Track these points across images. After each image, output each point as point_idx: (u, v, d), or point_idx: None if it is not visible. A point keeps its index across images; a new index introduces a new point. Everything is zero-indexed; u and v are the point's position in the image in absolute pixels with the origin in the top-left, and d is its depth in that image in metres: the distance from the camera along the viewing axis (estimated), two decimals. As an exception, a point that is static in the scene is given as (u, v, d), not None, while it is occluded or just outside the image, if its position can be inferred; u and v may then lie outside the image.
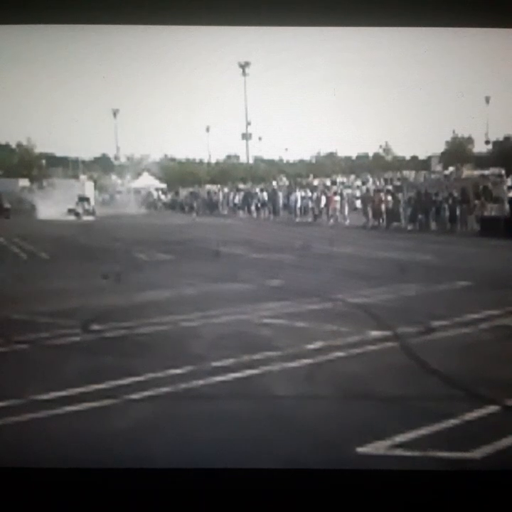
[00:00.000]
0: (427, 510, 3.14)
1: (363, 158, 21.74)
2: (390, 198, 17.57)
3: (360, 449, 4.63)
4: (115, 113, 18.45)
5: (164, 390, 5.80)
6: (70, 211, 18.31)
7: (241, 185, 21.17)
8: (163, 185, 21.89)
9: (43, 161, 19.22)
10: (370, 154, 21.57)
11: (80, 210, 18.58)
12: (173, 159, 22.16)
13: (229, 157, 22.38)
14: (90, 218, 18.61)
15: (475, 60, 14.39)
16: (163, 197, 21.94)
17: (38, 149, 19.56)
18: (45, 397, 5.59)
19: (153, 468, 3.60)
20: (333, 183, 20.47)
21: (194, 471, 3.58)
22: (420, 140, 18.30)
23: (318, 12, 3.50)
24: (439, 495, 3.20)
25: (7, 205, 18.03)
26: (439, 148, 20.03)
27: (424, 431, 4.90)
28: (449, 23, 3.69)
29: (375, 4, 3.46)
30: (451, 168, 19.37)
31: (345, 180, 20.86)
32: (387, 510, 3.15)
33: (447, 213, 16.18)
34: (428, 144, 19.49)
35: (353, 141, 19.79)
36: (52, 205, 17.79)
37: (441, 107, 16.24)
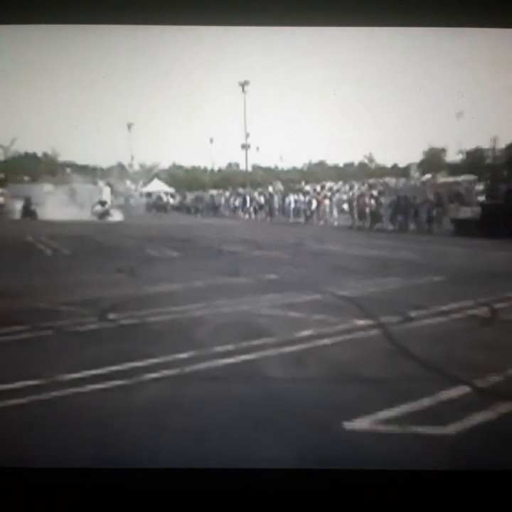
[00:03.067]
0: (426, 510, 2.97)
1: (349, 166, 21.71)
2: (373, 201, 17.54)
3: (347, 425, 4.63)
4: (129, 126, 18.42)
5: (172, 372, 5.79)
6: (104, 215, 18.36)
7: (241, 190, 21.13)
8: (172, 190, 21.85)
9: (68, 169, 19.19)
10: (356, 163, 21.54)
11: (102, 211, 18.58)
12: (180, 167, 22.13)
13: (230, 165, 22.34)
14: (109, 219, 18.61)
15: (449, 77, 14.38)
16: (171, 200, 21.88)
17: (61, 158, 19.55)
18: (66, 377, 5.58)
19: (154, 468, 3.36)
20: (323, 188, 20.43)
21: (194, 471, 3.33)
22: (400, 150, 18.29)
23: (318, 12, 3.34)
24: (438, 494, 3.02)
25: (34, 208, 18.00)
26: (417, 157, 20.02)
27: (403, 409, 4.90)
28: (444, 24, 3.50)
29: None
30: (427, 175, 19.35)
31: (333, 185, 20.82)
32: (386, 510, 2.98)
33: (424, 215, 16.16)
34: (407, 154, 19.49)
35: (341, 151, 19.79)
36: (74, 207, 17.77)
37: (418, 120, 16.23)
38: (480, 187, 16.67)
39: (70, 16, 3.41)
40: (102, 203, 18.92)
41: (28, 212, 17.95)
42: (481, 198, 16.15)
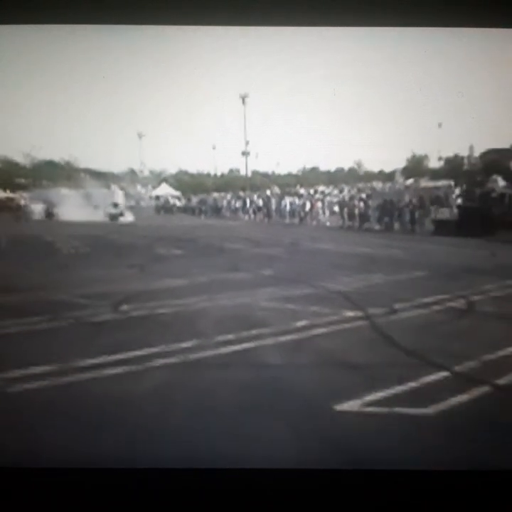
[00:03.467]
0: (425, 510, 2.77)
1: (340, 171, 21.68)
2: (362, 203, 17.53)
3: (337, 407, 4.61)
4: (140, 135, 18.38)
5: (177, 359, 5.77)
6: (116, 216, 18.36)
7: (241, 193, 21.09)
8: (178, 193, 21.83)
9: (86, 175, 19.14)
10: (346, 168, 21.52)
11: (115, 212, 18.57)
12: (186, 172, 22.10)
13: (231, 170, 22.29)
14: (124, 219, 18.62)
15: (430, 88, 14.25)
16: (178, 203, 21.86)
17: (79, 164, 19.51)
18: (82, 363, 5.56)
19: (153, 468, 3.11)
20: (316, 191, 20.40)
21: (194, 471, 3.10)
22: (386, 157, 18.27)
23: (318, 12, 3.14)
24: (438, 494, 2.81)
25: (54, 210, 18.02)
26: (401, 163, 20.00)
27: (389, 392, 4.90)
28: (444, 24, 3.27)
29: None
30: (411, 180, 19.32)
31: (325, 189, 20.79)
32: (386, 510, 2.79)
33: (408, 216, 16.16)
34: (392, 160, 19.47)
35: (332, 158, 19.80)
36: (89, 209, 17.75)
37: (402, 129, 16.19)
38: (457, 191, 16.68)
39: (70, 16, 3.21)
40: (115, 205, 18.91)
41: (49, 213, 17.97)
42: (459, 201, 16.17)
